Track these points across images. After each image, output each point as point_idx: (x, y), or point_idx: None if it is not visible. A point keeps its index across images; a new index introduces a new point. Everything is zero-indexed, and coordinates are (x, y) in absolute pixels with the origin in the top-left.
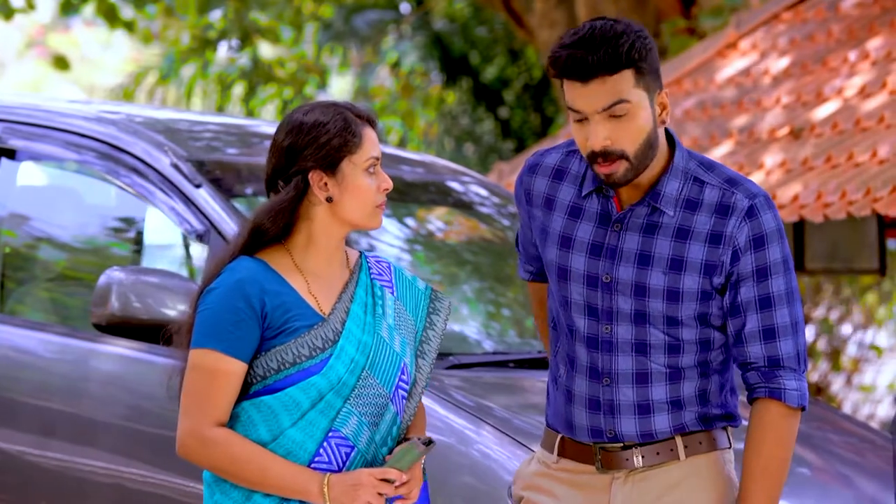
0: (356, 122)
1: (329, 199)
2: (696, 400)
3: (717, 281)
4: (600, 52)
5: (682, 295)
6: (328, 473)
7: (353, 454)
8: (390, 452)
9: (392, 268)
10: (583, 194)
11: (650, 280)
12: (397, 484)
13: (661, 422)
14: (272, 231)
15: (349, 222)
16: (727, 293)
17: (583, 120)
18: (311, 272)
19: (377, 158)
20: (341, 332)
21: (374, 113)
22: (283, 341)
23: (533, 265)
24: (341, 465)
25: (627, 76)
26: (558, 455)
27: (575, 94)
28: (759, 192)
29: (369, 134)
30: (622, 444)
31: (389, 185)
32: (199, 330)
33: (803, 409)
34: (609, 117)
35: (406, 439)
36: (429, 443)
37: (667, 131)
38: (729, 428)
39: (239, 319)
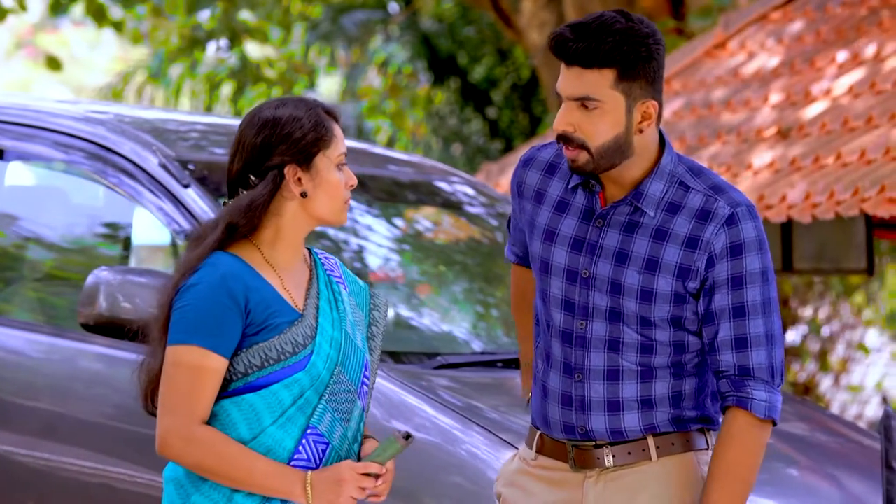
0: (327, 119)
1: (304, 195)
2: (669, 401)
3: (691, 285)
4: (584, 42)
5: (655, 296)
6: (309, 472)
7: (328, 451)
8: (360, 448)
9: (339, 264)
10: (569, 187)
11: (625, 278)
12: (379, 483)
13: (631, 420)
14: (247, 227)
15: (318, 218)
16: (702, 299)
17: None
18: (280, 268)
19: (345, 155)
20: (316, 328)
21: (338, 109)
22: (266, 338)
23: (519, 247)
24: (318, 462)
25: (606, 75)
26: (537, 452)
27: (561, 74)
28: (744, 201)
29: (338, 130)
30: (594, 443)
31: (355, 181)
32: (181, 326)
33: (774, 422)
34: (580, 106)
35: (366, 437)
36: (407, 437)
37: (660, 132)
38: (709, 431)
39: (224, 315)
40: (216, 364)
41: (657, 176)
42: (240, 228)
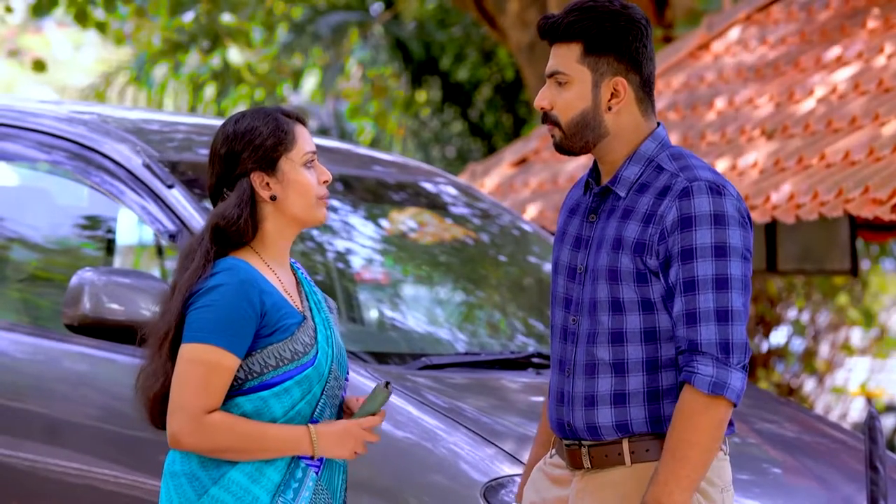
0: (287, 122)
1: (273, 198)
2: (644, 397)
3: (650, 262)
4: (557, 19)
5: (620, 275)
6: (311, 425)
7: None
8: (344, 403)
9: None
10: (583, 192)
11: (599, 261)
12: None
13: (604, 416)
14: (235, 234)
15: (296, 218)
16: (661, 277)
17: None
18: (278, 271)
19: (313, 153)
20: (315, 328)
21: (303, 113)
22: (280, 339)
23: None
24: None
25: (573, 49)
26: (555, 451)
27: None
28: (705, 178)
29: (301, 131)
30: (579, 442)
31: (329, 176)
32: (200, 325)
33: (734, 403)
34: (555, 83)
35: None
36: (387, 385)
37: (658, 123)
38: None
39: (242, 318)
40: (231, 363)
41: (634, 160)
42: (230, 235)
